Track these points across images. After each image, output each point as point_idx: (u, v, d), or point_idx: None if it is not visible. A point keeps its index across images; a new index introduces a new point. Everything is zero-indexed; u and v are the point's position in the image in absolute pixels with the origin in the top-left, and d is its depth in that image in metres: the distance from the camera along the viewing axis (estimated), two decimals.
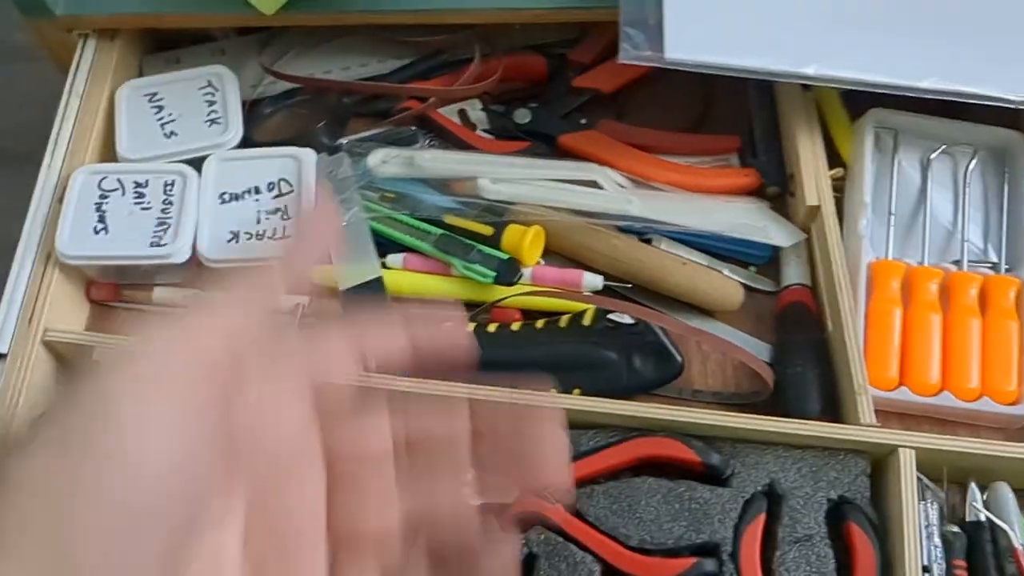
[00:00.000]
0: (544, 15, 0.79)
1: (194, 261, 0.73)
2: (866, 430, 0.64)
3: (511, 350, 0.71)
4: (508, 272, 0.73)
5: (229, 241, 0.73)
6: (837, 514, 0.63)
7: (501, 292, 0.74)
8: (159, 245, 0.71)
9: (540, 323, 0.72)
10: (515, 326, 0.72)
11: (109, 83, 0.80)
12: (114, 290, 0.76)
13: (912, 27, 0.73)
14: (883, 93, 0.72)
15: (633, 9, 0.71)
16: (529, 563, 0.62)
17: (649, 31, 0.71)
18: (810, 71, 0.71)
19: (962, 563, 0.62)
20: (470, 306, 0.74)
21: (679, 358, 0.70)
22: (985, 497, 0.65)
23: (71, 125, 0.78)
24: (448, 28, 0.83)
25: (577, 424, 0.66)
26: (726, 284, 0.74)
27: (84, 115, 0.79)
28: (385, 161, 0.78)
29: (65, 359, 0.71)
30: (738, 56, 0.71)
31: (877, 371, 0.69)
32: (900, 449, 0.63)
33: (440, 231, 0.75)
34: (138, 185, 0.74)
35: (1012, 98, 0.70)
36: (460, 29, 0.83)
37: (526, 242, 0.74)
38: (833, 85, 0.72)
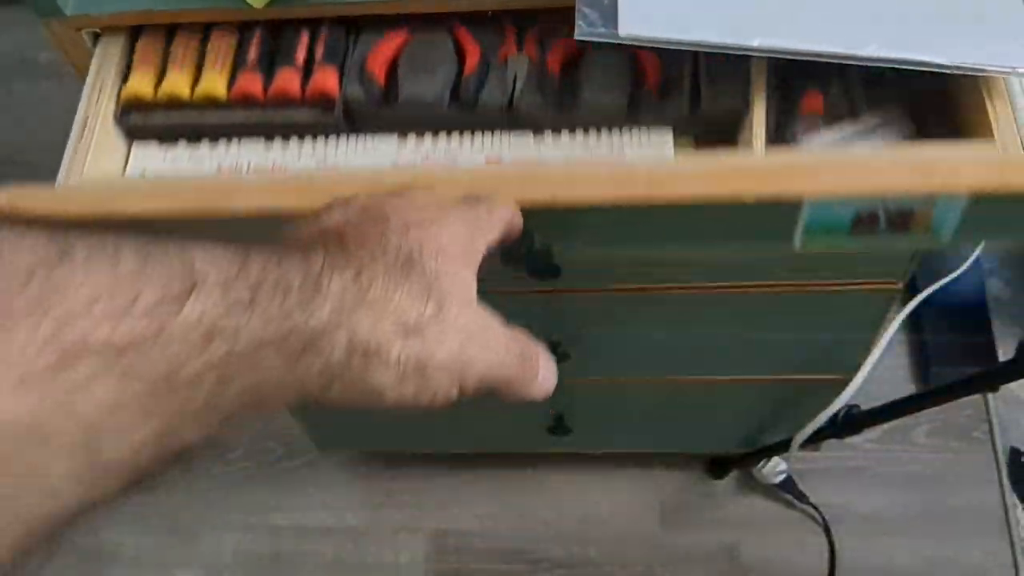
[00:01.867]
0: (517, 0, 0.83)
1: None
2: None
3: None
4: None
5: None
6: None
7: None
8: None
9: None
10: None
11: None
12: None
13: None
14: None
15: None
16: None
17: (604, 10, 0.77)
18: (755, 43, 0.75)
19: None
20: None
21: None
22: None
23: None
24: None
25: None
26: None
27: None
28: None
29: None
30: (687, 31, 0.76)
31: None
32: None
33: None
34: None
35: (946, 63, 0.73)
36: None
37: None
38: (777, 56, 0.77)
